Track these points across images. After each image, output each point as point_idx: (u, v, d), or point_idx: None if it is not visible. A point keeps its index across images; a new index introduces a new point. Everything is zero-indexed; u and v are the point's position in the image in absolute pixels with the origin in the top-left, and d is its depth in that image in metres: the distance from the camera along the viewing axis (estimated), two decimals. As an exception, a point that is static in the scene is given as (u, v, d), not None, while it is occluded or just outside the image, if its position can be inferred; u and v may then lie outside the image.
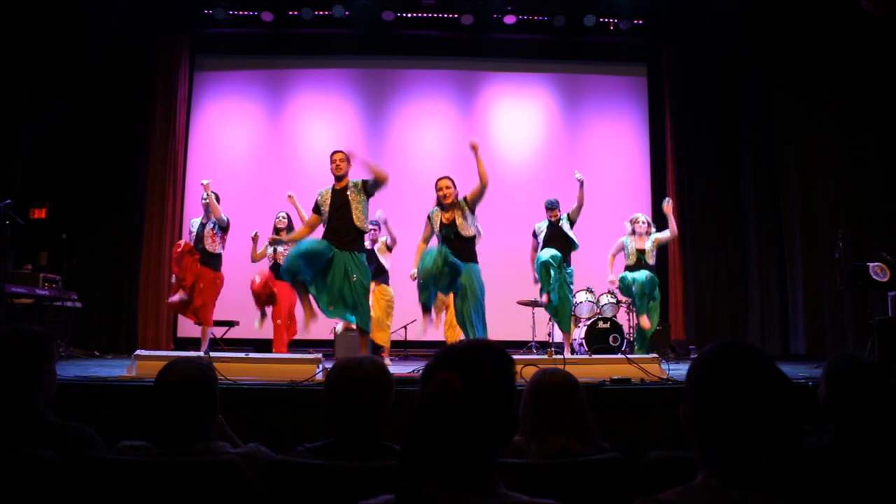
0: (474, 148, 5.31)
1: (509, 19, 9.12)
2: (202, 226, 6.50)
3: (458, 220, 5.33)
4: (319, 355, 4.67)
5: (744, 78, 8.90)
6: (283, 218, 6.81)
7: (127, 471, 1.81)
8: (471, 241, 5.39)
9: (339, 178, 5.19)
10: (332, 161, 5.21)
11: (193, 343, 6.97)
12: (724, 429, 1.14)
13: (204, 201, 6.48)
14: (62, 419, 2.05)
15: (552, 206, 6.47)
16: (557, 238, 6.37)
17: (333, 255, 4.99)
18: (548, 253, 6.23)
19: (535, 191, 8.49)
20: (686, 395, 1.22)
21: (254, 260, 6.91)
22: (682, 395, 1.24)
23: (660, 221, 6.88)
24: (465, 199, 5.41)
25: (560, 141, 9.53)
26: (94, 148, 8.67)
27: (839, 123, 7.76)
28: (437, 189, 5.43)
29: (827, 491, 1.61)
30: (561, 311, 6.27)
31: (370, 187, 5.14)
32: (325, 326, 6.86)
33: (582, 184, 6.24)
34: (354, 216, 5.08)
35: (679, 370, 4.97)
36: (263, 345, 7.26)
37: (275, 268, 6.67)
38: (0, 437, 1.91)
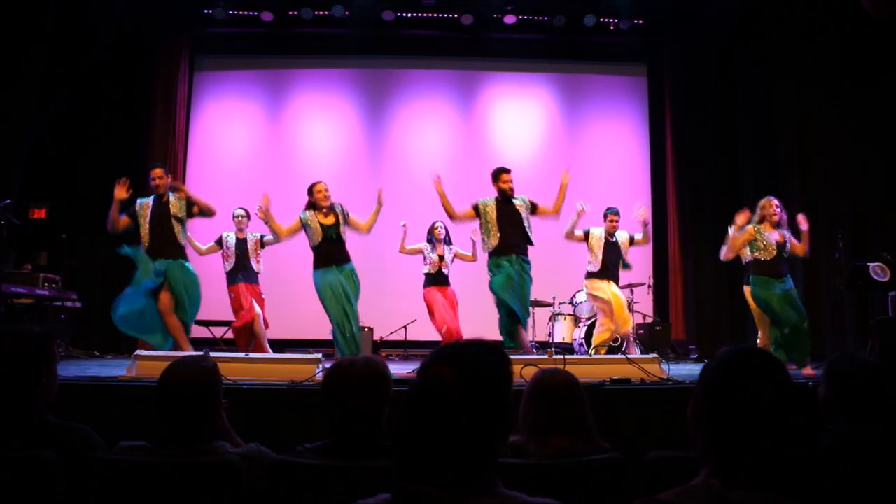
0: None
1: (509, 19, 9.12)
2: (242, 241, 6.39)
3: None
4: (319, 355, 4.67)
5: (744, 78, 8.90)
6: (441, 228, 6.68)
7: (127, 471, 1.81)
8: None
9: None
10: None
11: (193, 343, 6.94)
12: (732, 431, 1.14)
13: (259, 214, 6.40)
14: (62, 419, 2.05)
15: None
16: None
17: None
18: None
19: (535, 191, 8.35)
20: (697, 394, 1.23)
21: (401, 251, 6.74)
22: (692, 393, 1.24)
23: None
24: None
25: (560, 141, 9.53)
26: (93, 148, 8.66)
27: (839, 124, 7.75)
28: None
29: (827, 491, 1.61)
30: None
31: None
32: (325, 326, 6.85)
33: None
34: None
35: (679, 370, 4.97)
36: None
37: (436, 277, 6.60)
38: (0, 437, 1.91)
